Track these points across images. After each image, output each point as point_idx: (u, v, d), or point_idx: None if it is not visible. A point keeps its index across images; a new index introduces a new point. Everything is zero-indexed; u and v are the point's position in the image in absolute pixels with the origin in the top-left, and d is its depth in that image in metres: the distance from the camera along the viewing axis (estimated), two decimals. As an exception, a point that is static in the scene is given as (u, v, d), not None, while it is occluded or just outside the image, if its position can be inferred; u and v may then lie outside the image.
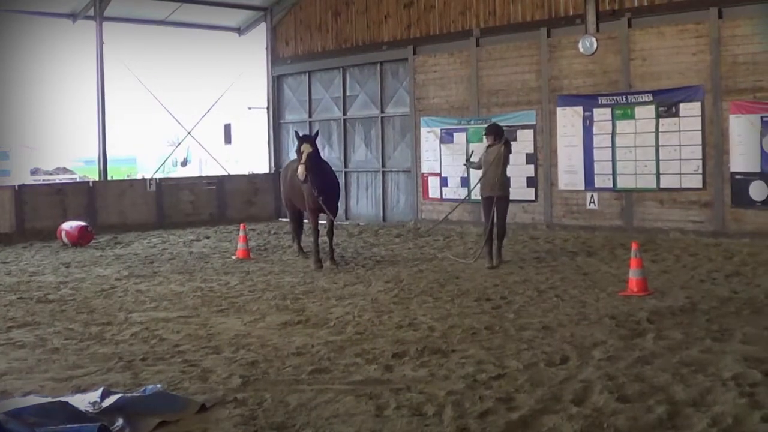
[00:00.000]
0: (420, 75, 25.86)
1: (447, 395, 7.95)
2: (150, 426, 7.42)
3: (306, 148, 17.23)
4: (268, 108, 31.33)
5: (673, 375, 8.41)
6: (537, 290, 13.84)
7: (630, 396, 7.80)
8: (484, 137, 17.80)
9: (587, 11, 21.90)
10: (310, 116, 29.72)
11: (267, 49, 31.01)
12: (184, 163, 39.24)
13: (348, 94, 28.42)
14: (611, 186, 21.35)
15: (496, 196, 16.84)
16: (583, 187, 21.78)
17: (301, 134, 17.76)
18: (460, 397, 7.91)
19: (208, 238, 24.00)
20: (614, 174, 21.26)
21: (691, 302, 12.38)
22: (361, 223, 27.04)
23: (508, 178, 17.67)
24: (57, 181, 37.66)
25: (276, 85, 31.00)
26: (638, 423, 7.08)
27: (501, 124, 22.63)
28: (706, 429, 6.89)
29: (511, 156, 17.50)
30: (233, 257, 19.32)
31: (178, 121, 30.92)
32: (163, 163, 32.28)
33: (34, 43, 34.83)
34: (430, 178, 25.42)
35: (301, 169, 17.11)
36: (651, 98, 20.69)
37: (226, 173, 30.97)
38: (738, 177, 19.28)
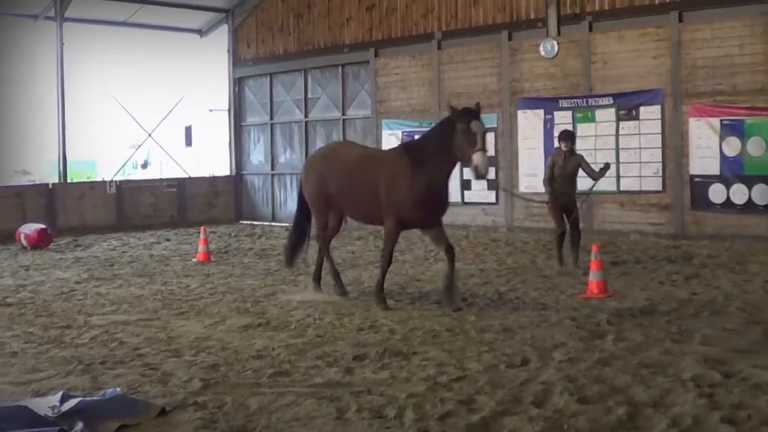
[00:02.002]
0: (381, 77, 25.88)
1: (408, 397, 7.94)
2: (110, 430, 7.37)
3: (480, 128, 12.34)
4: (229, 110, 31.24)
5: (633, 376, 8.44)
6: (498, 292, 13.87)
7: (590, 397, 7.82)
8: (561, 143, 16.46)
9: (548, 15, 22.00)
10: (271, 118, 29.68)
11: (228, 51, 30.96)
12: (144, 166, 39.03)
13: (309, 96, 28.41)
14: (572, 189, 21.45)
15: (573, 204, 16.27)
16: (543, 190, 21.81)
17: (460, 107, 12.93)
18: (421, 399, 7.90)
19: (168, 240, 23.90)
20: (575, 177, 21.35)
21: (650, 304, 12.45)
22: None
23: None
24: (16, 184, 37.33)
25: (237, 87, 30.94)
26: (598, 424, 7.10)
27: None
28: (665, 430, 6.91)
29: None
30: (194, 260, 19.23)
31: (138, 123, 30.82)
32: (123, 165, 32.12)
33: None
34: (391, 181, 25.38)
35: (482, 159, 12.09)
36: (611, 101, 20.82)
37: (186, 176, 30.85)
38: (697, 180, 19.42)
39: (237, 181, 30.78)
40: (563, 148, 16.30)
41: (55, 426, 7.19)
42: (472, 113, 12.44)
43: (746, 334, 10.38)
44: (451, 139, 12.41)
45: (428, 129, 14.10)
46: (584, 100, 21.30)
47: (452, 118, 12.50)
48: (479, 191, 23.07)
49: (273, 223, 28.79)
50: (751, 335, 10.30)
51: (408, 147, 13.58)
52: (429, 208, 12.92)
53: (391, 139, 25.30)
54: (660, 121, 20.16)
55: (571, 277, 15.26)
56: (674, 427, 6.97)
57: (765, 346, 9.70)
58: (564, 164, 16.13)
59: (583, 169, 16.19)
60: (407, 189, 12.74)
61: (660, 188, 20.16)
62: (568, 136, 16.51)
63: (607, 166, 16.27)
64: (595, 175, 16.22)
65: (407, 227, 13.55)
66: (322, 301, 13.41)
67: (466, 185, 23.44)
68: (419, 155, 12.78)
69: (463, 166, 12.77)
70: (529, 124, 22.26)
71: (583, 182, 16.59)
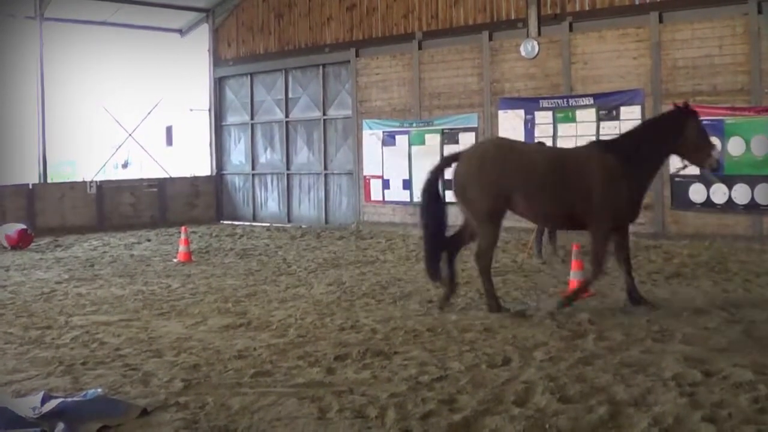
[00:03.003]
0: (362, 77, 25.87)
1: (389, 397, 7.94)
2: (91, 431, 7.34)
3: None
4: (209, 110, 31.19)
5: (614, 375, 8.46)
6: (479, 292, 13.82)
7: (571, 396, 7.83)
8: None
9: (529, 15, 22.04)
10: (252, 118, 29.64)
11: (209, 50, 30.90)
12: (125, 166, 38.92)
13: (290, 96, 28.38)
14: (553, 188, 21.46)
15: None
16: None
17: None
18: (402, 399, 7.90)
19: (149, 240, 23.84)
20: (555, 176, 21.37)
21: (631, 303, 12.46)
22: (303, 226, 27.00)
23: None
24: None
25: (218, 86, 30.89)
26: (580, 423, 7.11)
27: (443, 127, 22.83)
28: (647, 429, 6.93)
29: None
30: (174, 260, 19.18)
31: (119, 123, 30.72)
32: (104, 165, 32.01)
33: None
34: (372, 181, 25.43)
35: (719, 155, 12.66)
36: (592, 101, 20.86)
37: (167, 176, 30.78)
38: (677, 179, 19.46)
39: (217, 181, 30.74)
40: None
41: (36, 427, 7.17)
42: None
43: (727, 333, 10.41)
44: (677, 136, 12.19)
45: (635, 126, 13.48)
46: (564, 100, 21.34)
47: (681, 116, 12.28)
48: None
49: (254, 223, 28.77)
50: (731, 334, 10.33)
51: (609, 145, 12.60)
52: (639, 209, 12.59)
53: (371, 138, 25.30)
54: (640, 122, 20.20)
55: (549, 265, 16.31)
56: (655, 426, 6.98)
57: (745, 345, 9.72)
58: None
59: None
60: (627, 190, 12.11)
61: (640, 188, 20.21)
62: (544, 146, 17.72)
63: None
64: None
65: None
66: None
67: (447, 185, 23.42)
68: (629, 153, 12.14)
69: (692, 162, 12.54)
70: (510, 124, 22.29)
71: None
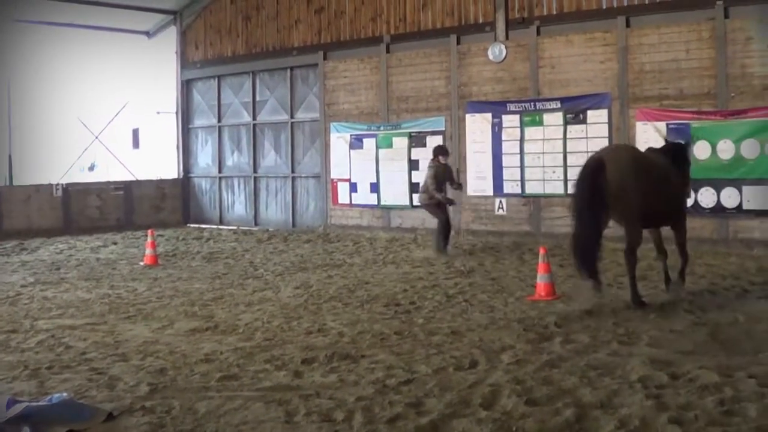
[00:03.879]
0: (330, 81, 25.84)
1: (356, 401, 7.94)
2: (56, 435, 7.32)
3: None
4: (177, 112, 31.04)
5: (580, 378, 8.49)
6: (446, 295, 13.88)
7: (538, 399, 7.85)
8: (440, 157, 19.48)
9: (497, 19, 22.09)
10: (219, 121, 29.54)
11: (176, 52, 30.74)
12: (91, 168, 38.75)
13: (258, 99, 28.32)
14: (519, 192, 21.53)
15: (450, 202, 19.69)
16: (491, 193, 21.95)
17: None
18: (369, 402, 7.90)
19: (115, 244, 23.73)
20: (522, 180, 21.44)
21: (598, 306, 12.50)
22: (270, 229, 26.95)
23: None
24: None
25: (185, 89, 30.74)
26: (546, 426, 7.13)
27: (410, 130, 22.90)
28: (613, 431, 6.96)
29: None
30: (141, 263, 19.09)
31: (85, 126, 30.56)
32: (70, 168, 31.79)
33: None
34: (339, 184, 25.40)
35: None
36: (559, 105, 20.91)
37: (134, 178, 30.64)
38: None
39: (184, 184, 30.61)
40: (442, 161, 19.46)
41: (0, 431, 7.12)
42: None
43: (692, 335, 10.48)
44: (685, 166, 13.99)
45: (665, 144, 15.03)
46: (532, 103, 21.39)
47: (686, 149, 14.37)
48: (428, 194, 23.19)
49: (221, 227, 28.67)
50: (697, 337, 10.39)
51: (664, 152, 13.89)
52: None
53: (339, 141, 25.28)
54: (607, 125, 20.28)
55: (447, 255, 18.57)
56: (622, 428, 7.01)
57: (711, 348, 9.78)
58: (444, 173, 19.45)
59: (452, 177, 19.89)
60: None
61: (607, 191, 20.27)
62: (447, 151, 19.98)
63: (459, 187, 20.38)
64: (455, 186, 19.99)
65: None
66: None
67: (414, 188, 23.48)
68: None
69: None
70: (477, 127, 22.32)
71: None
